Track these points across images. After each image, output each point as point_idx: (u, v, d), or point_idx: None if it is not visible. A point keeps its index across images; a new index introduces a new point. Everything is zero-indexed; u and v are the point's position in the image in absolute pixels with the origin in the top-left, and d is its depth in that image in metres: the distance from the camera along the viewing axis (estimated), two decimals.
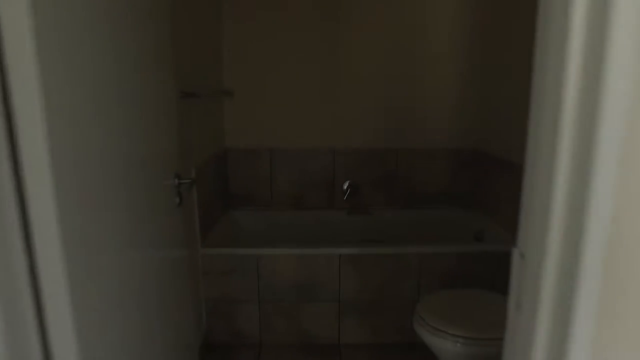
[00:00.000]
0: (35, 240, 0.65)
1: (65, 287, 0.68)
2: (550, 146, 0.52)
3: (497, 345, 1.52)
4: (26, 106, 0.61)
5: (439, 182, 2.63)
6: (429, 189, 2.64)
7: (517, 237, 0.65)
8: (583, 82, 0.47)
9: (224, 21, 2.39)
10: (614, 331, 0.52)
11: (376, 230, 2.60)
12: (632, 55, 0.44)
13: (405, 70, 2.47)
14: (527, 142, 0.60)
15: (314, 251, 1.99)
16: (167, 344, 1.22)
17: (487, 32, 2.42)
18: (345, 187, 2.59)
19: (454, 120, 2.55)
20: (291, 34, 2.41)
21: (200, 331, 2.02)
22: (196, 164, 1.93)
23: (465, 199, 2.66)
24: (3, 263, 0.61)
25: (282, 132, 2.53)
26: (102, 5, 0.84)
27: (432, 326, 1.56)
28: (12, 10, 0.58)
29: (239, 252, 1.98)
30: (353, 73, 2.46)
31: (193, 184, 1.34)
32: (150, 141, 1.12)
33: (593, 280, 0.49)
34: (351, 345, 2.11)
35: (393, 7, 2.40)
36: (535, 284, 0.55)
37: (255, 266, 2.00)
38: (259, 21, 2.39)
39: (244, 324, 2.09)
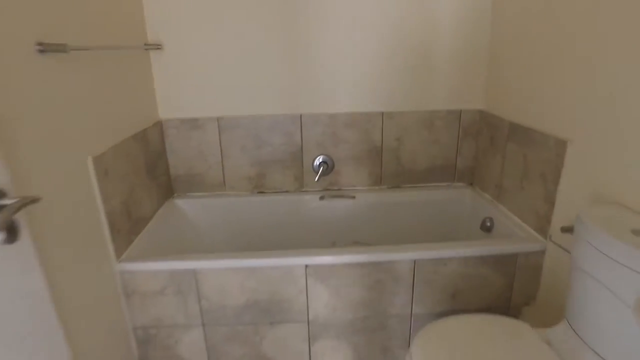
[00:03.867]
0: None
1: None
2: None
3: None
4: None
5: (436, 154, 2.09)
6: (425, 163, 2.10)
7: None
8: None
9: None
10: None
11: (359, 219, 2.09)
12: None
13: (391, 16, 1.85)
14: None
15: (271, 262, 1.47)
16: None
17: None
18: (317, 163, 2.04)
19: (456, 77, 1.96)
20: None
21: None
22: (100, 151, 1.37)
23: (468, 174, 2.14)
24: None
25: (231, 95, 1.93)
26: None
27: None
28: None
29: (167, 266, 1.46)
30: (323, 19, 1.84)
31: (27, 205, 0.78)
32: None
33: None
34: None
35: None
36: None
37: (194, 283, 1.49)
38: None
39: (189, 354, 1.61)
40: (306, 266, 1.48)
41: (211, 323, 1.55)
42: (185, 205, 2.00)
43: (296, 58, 1.89)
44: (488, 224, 1.84)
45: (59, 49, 1.12)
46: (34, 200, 0.79)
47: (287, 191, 2.09)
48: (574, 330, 1.18)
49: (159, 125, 1.94)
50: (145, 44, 1.82)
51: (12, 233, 0.78)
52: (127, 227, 1.54)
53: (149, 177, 1.78)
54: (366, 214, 2.09)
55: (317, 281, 1.51)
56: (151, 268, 1.46)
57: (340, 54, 1.89)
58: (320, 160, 2.04)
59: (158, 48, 1.85)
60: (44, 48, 1.09)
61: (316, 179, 2.02)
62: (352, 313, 1.57)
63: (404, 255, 1.49)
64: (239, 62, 1.88)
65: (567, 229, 1.30)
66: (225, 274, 1.48)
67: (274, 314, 1.55)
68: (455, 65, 1.94)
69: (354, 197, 2.07)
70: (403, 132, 2.04)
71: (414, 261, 1.51)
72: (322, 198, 2.06)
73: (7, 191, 0.78)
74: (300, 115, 1.97)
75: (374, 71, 1.93)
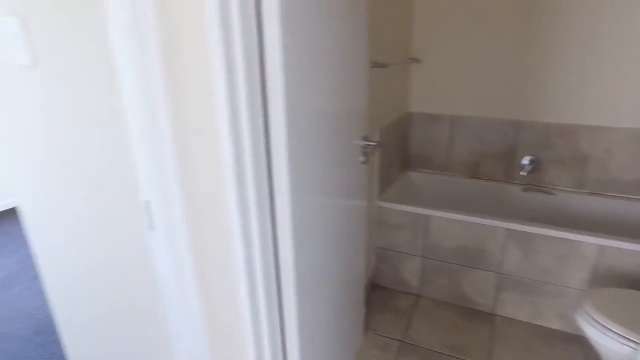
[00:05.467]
0: (274, 181, 0.98)
1: (288, 214, 1.00)
2: None
3: None
4: (274, 80, 0.90)
5: None
6: (629, 176, 2.32)
7: None
8: None
9: None
10: None
11: (555, 213, 2.46)
12: None
13: (609, 40, 2.16)
14: None
15: (481, 221, 2.05)
16: (341, 272, 1.55)
17: None
18: (525, 162, 2.49)
19: None
20: (483, 2, 2.35)
21: (368, 272, 2.35)
22: (381, 127, 2.18)
23: None
24: (260, 204, 0.94)
25: (465, 100, 2.55)
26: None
27: (599, 323, 1.51)
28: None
29: (410, 210, 2.20)
30: (547, 44, 2.28)
31: (377, 146, 1.58)
32: (345, 106, 1.38)
33: None
34: (506, 318, 2.15)
35: None
36: None
37: (424, 225, 2.18)
38: None
39: (406, 274, 2.33)
40: (507, 229, 2.01)
41: (428, 256, 2.23)
42: (417, 177, 2.73)
43: (521, 74, 2.38)
44: None
45: (382, 65, 1.94)
46: (380, 145, 1.58)
47: (495, 180, 2.60)
48: None
49: (408, 115, 2.70)
50: (409, 58, 2.59)
51: (366, 159, 1.59)
52: (384, 179, 2.33)
53: (397, 151, 2.56)
54: (564, 210, 2.44)
55: (513, 243, 2.02)
56: (399, 209, 2.22)
57: (560, 71, 2.30)
58: (529, 159, 2.48)
59: (418, 61, 2.60)
60: (373, 65, 1.91)
61: (523, 173, 2.49)
62: (537, 276, 2.03)
63: (592, 240, 1.87)
64: (474, 74, 2.48)
65: None
66: (447, 222, 2.13)
67: (475, 260, 2.13)
68: None
69: (554, 194, 2.45)
70: (613, 144, 2.31)
71: (600, 246, 1.87)
72: (525, 190, 2.51)
73: (369, 137, 1.58)
74: (518, 121, 2.45)
75: (585, 86, 2.27)
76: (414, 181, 2.73)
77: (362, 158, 1.58)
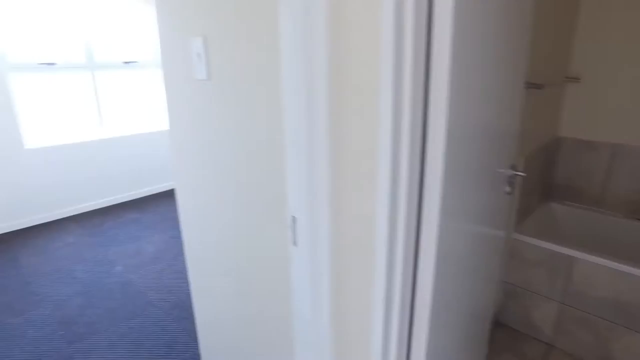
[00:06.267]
0: (424, 206, 0.93)
1: (434, 245, 0.94)
2: None
3: None
4: (436, 103, 0.85)
5: None
6: None
7: None
8: None
9: None
10: None
11: None
12: None
13: None
14: None
15: None
16: (469, 305, 1.43)
17: None
18: None
19: None
20: None
21: (494, 307, 2.15)
22: (525, 153, 1.97)
23: None
24: (408, 230, 0.89)
25: (634, 126, 2.18)
26: (493, 23, 1.01)
27: None
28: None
29: (551, 247, 1.95)
30: None
31: (523, 178, 1.43)
32: (497, 132, 1.27)
33: None
34: None
35: None
36: None
37: (566, 267, 1.92)
38: None
39: (538, 318, 2.08)
40: None
41: (568, 303, 1.96)
42: (560, 210, 2.43)
43: None
44: None
45: (538, 86, 1.75)
46: (526, 176, 1.42)
47: None
48: None
49: (557, 141, 2.41)
50: (566, 77, 2.31)
51: (512, 190, 1.45)
52: (522, 209, 2.11)
53: (539, 179, 2.30)
54: None
55: None
56: (537, 244, 1.99)
57: None
58: None
59: (576, 81, 2.30)
60: (528, 85, 1.74)
61: None
62: None
63: None
64: None
65: None
66: (597, 268, 1.84)
67: (634, 320, 1.80)
68: None
69: None
70: None
71: None
72: None
73: (517, 166, 1.44)
74: None
75: None
76: (556, 214, 2.42)
77: (507, 188, 1.44)
